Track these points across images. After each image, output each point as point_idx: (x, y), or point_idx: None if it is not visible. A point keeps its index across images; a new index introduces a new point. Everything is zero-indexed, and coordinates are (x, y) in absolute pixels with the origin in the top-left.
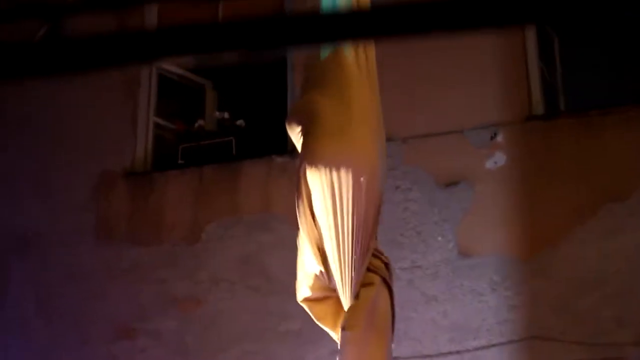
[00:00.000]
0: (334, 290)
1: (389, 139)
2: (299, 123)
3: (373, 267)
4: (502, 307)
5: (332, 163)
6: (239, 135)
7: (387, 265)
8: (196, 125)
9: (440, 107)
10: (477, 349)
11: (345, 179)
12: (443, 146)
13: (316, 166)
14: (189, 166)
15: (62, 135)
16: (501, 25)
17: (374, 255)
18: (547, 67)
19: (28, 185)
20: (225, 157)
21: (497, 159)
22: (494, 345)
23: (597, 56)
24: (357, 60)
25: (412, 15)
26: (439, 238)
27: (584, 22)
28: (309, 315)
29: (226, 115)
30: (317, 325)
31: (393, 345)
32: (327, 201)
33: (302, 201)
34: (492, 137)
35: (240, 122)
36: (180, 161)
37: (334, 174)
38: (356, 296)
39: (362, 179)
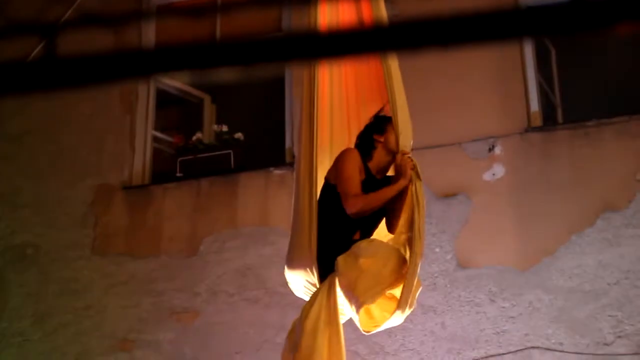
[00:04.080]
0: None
1: None
2: None
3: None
4: (500, 317)
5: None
6: (237, 148)
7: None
8: (194, 138)
9: (438, 119)
10: (475, 359)
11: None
12: (441, 158)
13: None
14: (187, 179)
15: (60, 149)
16: (499, 39)
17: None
18: (545, 79)
19: (27, 199)
20: (224, 170)
21: (495, 171)
22: (492, 356)
23: (594, 68)
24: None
25: (411, 31)
26: (437, 249)
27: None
28: None
29: (224, 128)
30: None
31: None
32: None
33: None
34: (490, 149)
35: (238, 135)
36: (178, 174)
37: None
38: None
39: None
